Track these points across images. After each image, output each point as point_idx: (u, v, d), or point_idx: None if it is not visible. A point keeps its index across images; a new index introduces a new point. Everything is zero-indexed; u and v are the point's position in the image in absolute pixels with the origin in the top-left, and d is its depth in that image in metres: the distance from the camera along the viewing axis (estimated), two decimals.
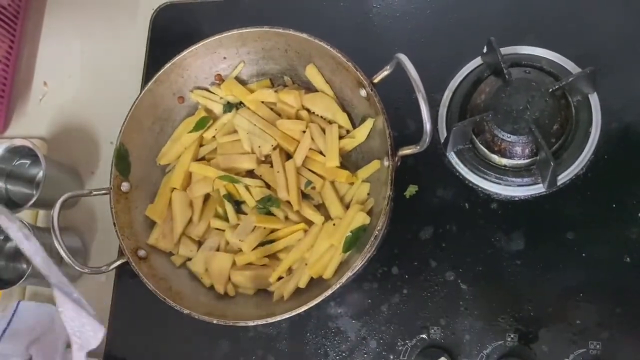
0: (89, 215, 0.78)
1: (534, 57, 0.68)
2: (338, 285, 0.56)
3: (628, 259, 0.61)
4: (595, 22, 0.69)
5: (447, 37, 0.73)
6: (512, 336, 0.62)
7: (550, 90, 0.63)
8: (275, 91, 0.67)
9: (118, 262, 0.61)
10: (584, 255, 0.62)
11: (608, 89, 0.66)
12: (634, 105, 0.65)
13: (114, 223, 0.61)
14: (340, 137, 0.65)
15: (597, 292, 0.61)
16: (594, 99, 0.66)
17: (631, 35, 0.68)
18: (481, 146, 0.66)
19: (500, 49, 0.65)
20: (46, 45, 0.89)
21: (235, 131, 0.67)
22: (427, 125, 0.53)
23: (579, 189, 0.64)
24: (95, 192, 0.62)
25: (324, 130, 0.65)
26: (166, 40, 0.82)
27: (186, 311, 0.58)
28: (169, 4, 0.84)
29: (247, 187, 0.65)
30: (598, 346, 0.60)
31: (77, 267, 0.59)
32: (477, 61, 0.70)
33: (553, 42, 0.68)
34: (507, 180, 0.65)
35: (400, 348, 0.64)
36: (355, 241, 0.59)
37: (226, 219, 0.65)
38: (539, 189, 0.65)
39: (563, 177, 0.64)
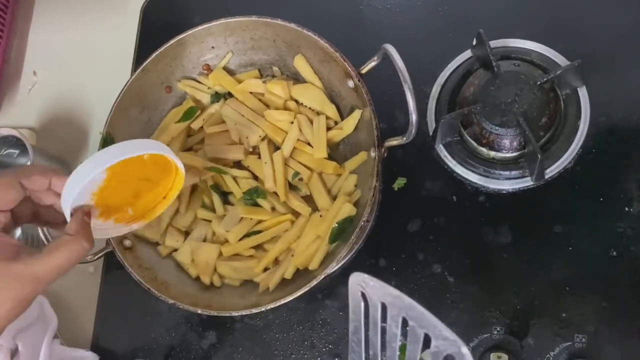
0: None
1: (523, 50, 0.68)
2: (323, 276, 0.55)
3: (614, 252, 0.61)
4: (586, 16, 0.69)
5: (438, 30, 0.73)
6: (498, 329, 0.62)
7: (539, 83, 0.63)
8: (264, 82, 0.66)
9: (103, 252, 0.60)
10: (570, 248, 0.63)
11: (597, 83, 0.66)
12: (623, 99, 0.65)
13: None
14: (328, 129, 0.64)
15: (583, 285, 0.61)
16: (583, 93, 0.66)
17: (621, 29, 0.68)
18: (469, 139, 0.66)
19: (490, 42, 0.65)
20: (36, 35, 0.88)
21: (223, 122, 0.67)
22: (413, 117, 0.53)
23: (567, 183, 0.64)
24: None
25: (312, 122, 0.64)
26: (157, 30, 0.81)
27: (171, 301, 0.58)
28: None
29: (234, 178, 0.65)
30: (583, 339, 0.60)
31: None
32: (467, 54, 0.70)
33: (543, 36, 0.68)
34: (495, 173, 0.65)
35: None
36: (341, 232, 0.59)
37: (213, 210, 0.65)
38: (526, 182, 0.65)
39: (551, 171, 0.64)
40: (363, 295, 0.45)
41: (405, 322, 0.43)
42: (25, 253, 0.44)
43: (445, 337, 0.40)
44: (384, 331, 0.45)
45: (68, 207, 0.46)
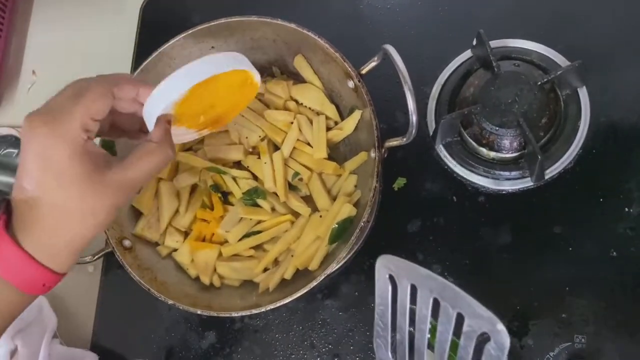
0: None
1: (523, 50, 0.68)
2: (323, 277, 0.55)
3: (614, 253, 0.61)
4: (586, 16, 0.69)
5: (438, 30, 0.73)
6: None
7: (539, 83, 0.63)
8: (264, 82, 0.66)
9: (102, 253, 0.60)
10: (570, 249, 0.63)
11: (597, 83, 0.66)
12: (623, 100, 0.65)
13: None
14: (328, 129, 0.64)
15: (583, 286, 0.61)
16: (583, 93, 0.66)
17: (622, 29, 0.68)
18: (469, 139, 0.66)
19: (490, 42, 0.65)
20: (35, 34, 0.88)
21: None
22: (413, 117, 0.53)
23: (567, 183, 0.64)
24: None
25: (311, 122, 0.64)
26: (156, 30, 0.81)
27: (171, 302, 0.58)
28: None
29: (234, 178, 0.64)
30: (583, 340, 0.60)
31: None
32: (467, 54, 0.70)
33: (543, 36, 0.68)
34: (495, 174, 0.65)
35: None
36: (341, 233, 0.59)
37: (212, 210, 0.65)
38: (526, 182, 0.64)
39: (551, 171, 0.64)
40: (391, 278, 0.44)
41: (435, 303, 0.42)
42: (115, 161, 0.45)
43: (479, 315, 0.39)
44: (412, 314, 0.44)
45: (153, 118, 0.47)
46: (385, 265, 0.44)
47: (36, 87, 0.85)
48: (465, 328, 0.40)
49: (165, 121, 0.48)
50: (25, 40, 0.88)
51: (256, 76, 0.53)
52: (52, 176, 0.42)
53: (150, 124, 0.48)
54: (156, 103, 0.47)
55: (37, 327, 0.68)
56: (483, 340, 0.41)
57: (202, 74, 0.47)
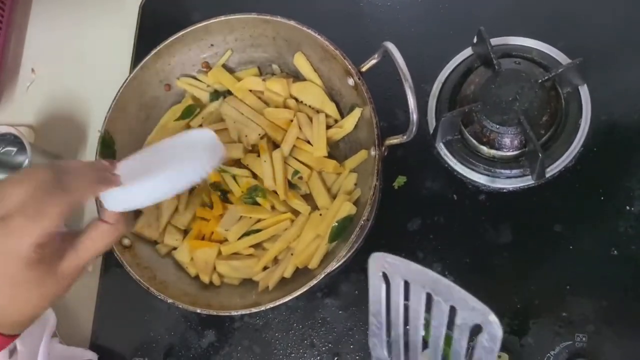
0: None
1: (524, 48, 0.68)
2: (323, 275, 0.55)
3: (615, 251, 0.61)
4: (587, 14, 0.69)
5: (438, 27, 0.72)
6: None
7: (540, 81, 0.63)
8: (263, 79, 0.66)
9: None
10: (571, 247, 0.62)
11: (598, 81, 0.65)
12: (624, 98, 0.65)
13: (98, 211, 0.60)
14: (328, 127, 0.64)
15: (584, 284, 0.61)
16: (584, 91, 0.65)
17: (622, 27, 0.67)
18: (470, 137, 0.66)
19: (491, 40, 0.65)
20: (34, 32, 0.88)
21: (222, 120, 0.66)
22: (414, 115, 0.52)
23: (568, 182, 0.64)
24: None
25: (311, 120, 0.64)
26: (155, 27, 0.81)
27: (170, 300, 0.58)
28: None
29: (233, 177, 0.64)
30: (584, 338, 0.60)
31: None
32: (468, 52, 0.70)
33: (544, 34, 0.68)
34: (496, 172, 0.65)
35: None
36: (341, 231, 0.59)
37: (212, 209, 0.64)
38: (527, 180, 0.64)
39: (552, 169, 0.64)
40: (384, 276, 0.44)
41: (429, 298, 0.42)
42: (69, 248, 0.45)
43: (472, 307, 0.39)
44: (406, 310, 0.44)
45: (110, 206, 0.47)
46: (377, 263, 0.43)
47: (35, 85, 0.85)
48: (458, 321, 0.40)
49: None
50: (24, 38, 0.88)
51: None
52: (2, 278, 0.42)
53: (107, 206, 0.47)
54: (115, 206, 0.47)
55: (36, 326, 0.68)
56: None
57: (165, 193, 0.47)
